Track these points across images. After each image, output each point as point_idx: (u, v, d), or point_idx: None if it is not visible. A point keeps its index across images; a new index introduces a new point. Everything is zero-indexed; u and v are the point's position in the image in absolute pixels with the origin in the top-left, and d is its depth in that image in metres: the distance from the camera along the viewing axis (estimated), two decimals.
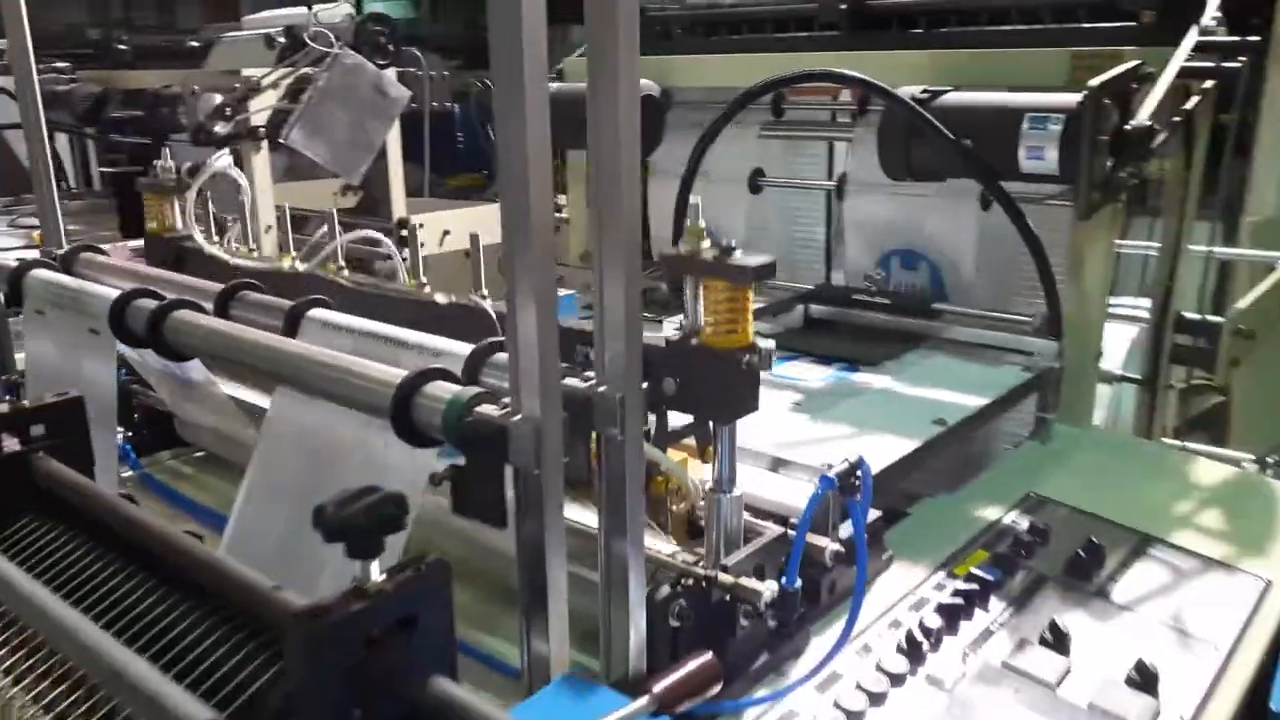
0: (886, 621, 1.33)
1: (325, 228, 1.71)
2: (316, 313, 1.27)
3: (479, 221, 4.26)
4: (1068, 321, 1.95)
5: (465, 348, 1.16)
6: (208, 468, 1.82)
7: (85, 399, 1.21)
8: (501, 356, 1.11)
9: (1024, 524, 1.59)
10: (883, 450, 1.55)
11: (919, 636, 1.27)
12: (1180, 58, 1.91)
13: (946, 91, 1.92)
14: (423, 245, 2.28)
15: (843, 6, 2.33)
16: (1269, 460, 2.50)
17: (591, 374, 0.98)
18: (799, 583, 1.08)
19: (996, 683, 1.24)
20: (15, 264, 1.56)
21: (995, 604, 1.39)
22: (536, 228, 0.87)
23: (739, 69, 2.44)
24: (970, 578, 1.42)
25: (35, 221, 4.00)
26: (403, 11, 11.67)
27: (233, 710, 0.78)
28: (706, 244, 1.10)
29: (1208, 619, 1.41)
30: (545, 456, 0.89)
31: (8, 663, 0.87)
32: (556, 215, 2.08)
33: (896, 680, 1.21)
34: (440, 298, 1.39)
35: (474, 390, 0.95)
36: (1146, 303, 2.53)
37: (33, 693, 0.80)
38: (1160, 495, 1.76)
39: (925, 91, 1.92)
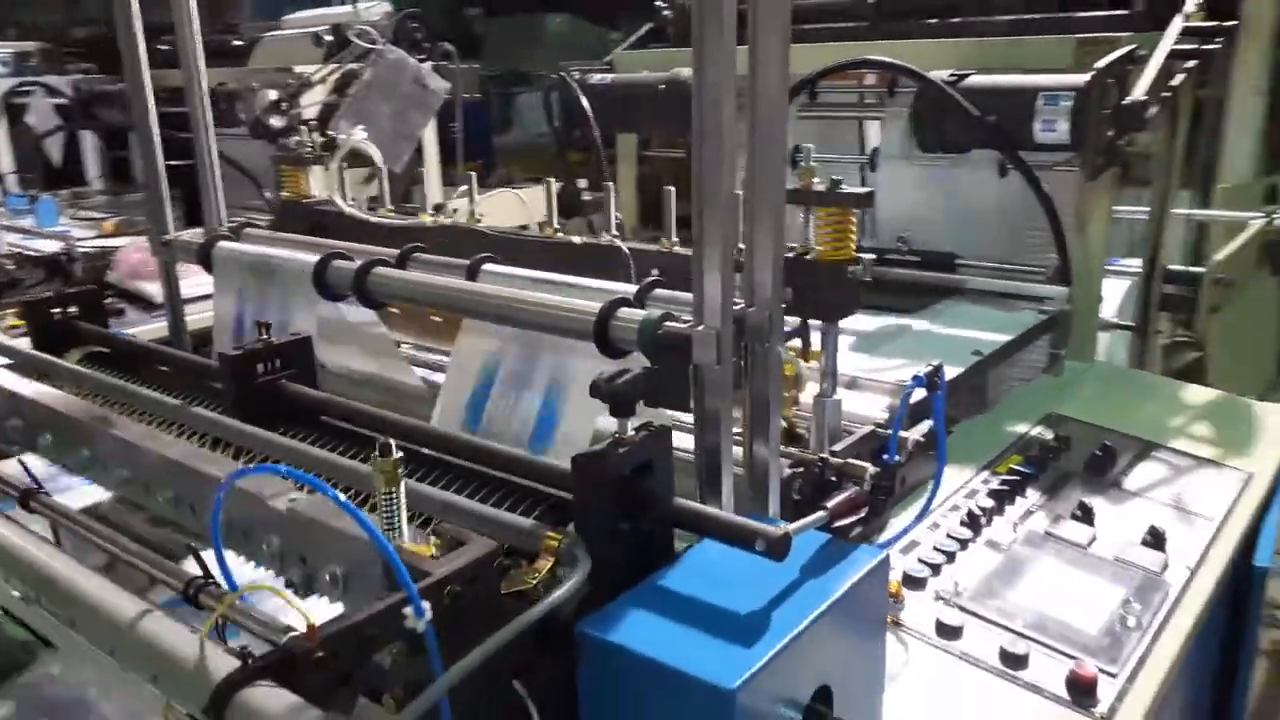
0: (947, 506, 1.65)
1: (465, 186, 2.00)
2: (490, 266, 1.58)
3: (502, 204, 4.56)
4: (1075, 270, 2.28)
5: (616, 286, 1.48)
6: None
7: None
8: (659, 292, 1.42)
9: (1049, 435, 1.92)
10: None
11: (977, 512, 1.60)
12: (1168, 42, 2.23)
13: (970, 74, 2.24)
14: None
15: (871, 0, 2.65)
16: None
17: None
18: (898, 457, 1.40)
19: (1040, 545, 1.56)
20: (204, 239, 1.85)
21: (1032, 492, 1.72)
22: (725, 193, 1.17)
23: None
24: (1011, 472, 1.75)
25: (95, 214, 4.27)
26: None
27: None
28: (817, 179, 1.42)
29: (1203, 500, 1.75)
30: (723, 356, 1.20)
31: None
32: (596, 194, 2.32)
33: (963, 544, 1.54)
34: (576, 240, 1.69)
35: (660, 311, 1.26)
36: (1135, 262, 2.87)
37: None
38: (1158, 413, 2.10)
39: (953, 75, 2.23)
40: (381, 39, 4.03)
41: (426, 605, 0.82)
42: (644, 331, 1.25)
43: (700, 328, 1.21)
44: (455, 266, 1.62)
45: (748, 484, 1.32)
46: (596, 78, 2.83)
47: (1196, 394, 2.23)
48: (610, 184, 1.72)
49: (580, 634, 0.98)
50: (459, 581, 0.88)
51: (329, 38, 4.07)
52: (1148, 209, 2.80)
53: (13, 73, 5.61)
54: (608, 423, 1.35)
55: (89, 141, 5.16)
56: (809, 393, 1.59)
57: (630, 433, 1.08)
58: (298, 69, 3.98)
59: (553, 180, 1.80)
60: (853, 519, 1.17)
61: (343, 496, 0.83)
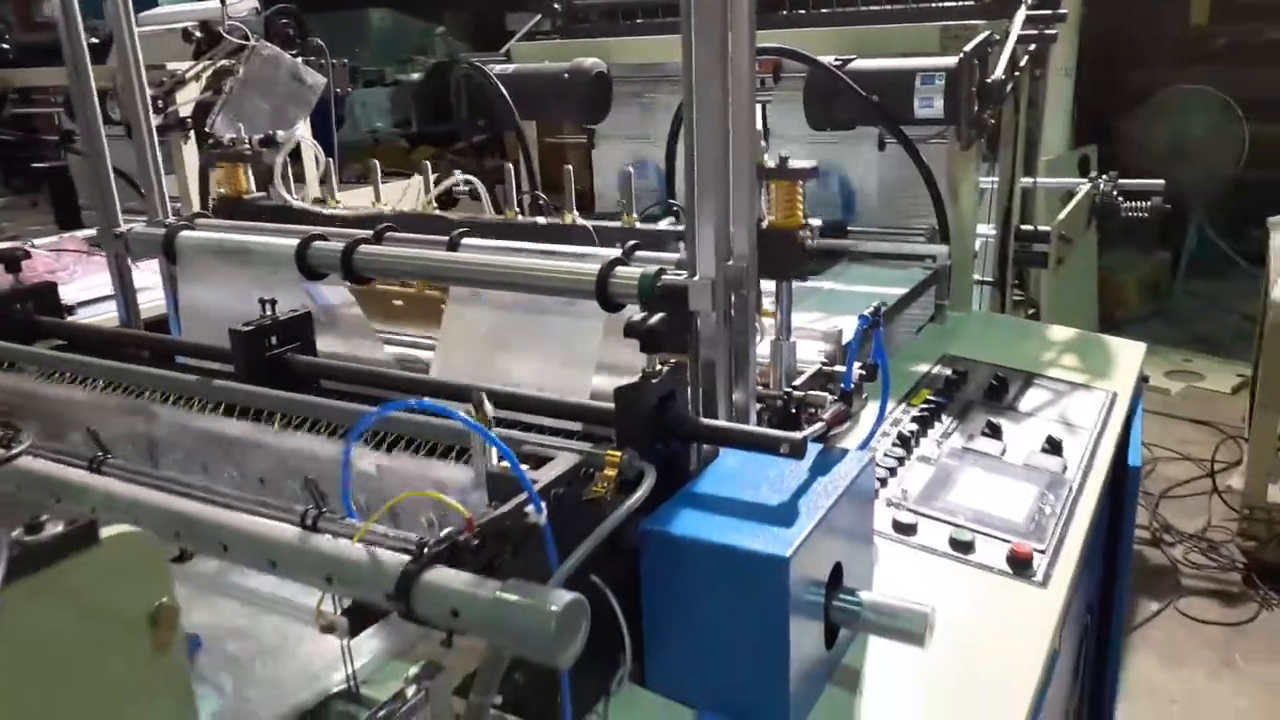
0: (879, 433, 1.90)
1: (417, 177, 2.11)
2: (469, 240, 1.71)
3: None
4: (952, 230, 2.58)
5: (596, 251, 1.64)
6: None
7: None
8: (640, 254, 1.59)
9: (948, 371, 2.20)
10: (848, 326, 2.11)
11: (907, 435, 1.85)
12: (1016, 28, 2.56)
13: (853, 59, 2.50)
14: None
15: None
16: None
17: None
18: (853, 384, 1.62)
19: (962, 458, 1.83)
20: (165, 228, 1.89)
21: (946, 418, 1.99)
22: (716, 160, 1.35)
23: (665, 48, 2.95)
24: (925, 403, 2.01)
25: None
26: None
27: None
28: (767, 156, 1.62)
29: (1082, 415, 2.06)
30: (717, 302, 1.39)
31: None
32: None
33: (900, 461, 1.78)
34: (541, 220, 1.84)
35: (657, 267, 1.43)
36: (983, 227, 3.22)
37: None
38: (1033, 349, 2.42)
39: (838, 59, 2.48)
40: (253, 35, 4.02)
41: (543, 504, 0.97)
42: (644, 285, 1.42)
43: (696, 278, 1.39)
44: (434, 242, 1.74)
45: (727, 417, 1.52)
46: (499, 68, 2.95)
47: (1060, 333, 2.58)
48: (569, 168, 1.87)
49: (644, 531, 1.15)
50: (561, 485, 1.04)
51: (199, 34, 4.01)
52: (992, 179, 3.16)
53: None
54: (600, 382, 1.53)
55: None
56: (762, 345, 1.80)
57: (657, 368, 1.25)
58: (170, 66, 3.92)
59: (511, 165, 1.94)
60: (841, 428, 1.38)
61: (470, 416, 0.97)
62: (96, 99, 1.97)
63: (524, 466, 1.06)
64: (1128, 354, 2.47)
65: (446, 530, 0.91)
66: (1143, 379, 2.46)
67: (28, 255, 1.91)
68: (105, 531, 0.67)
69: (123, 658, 0.70)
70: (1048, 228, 3.16)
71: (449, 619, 0.85)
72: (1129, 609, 3.57)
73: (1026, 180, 3.33)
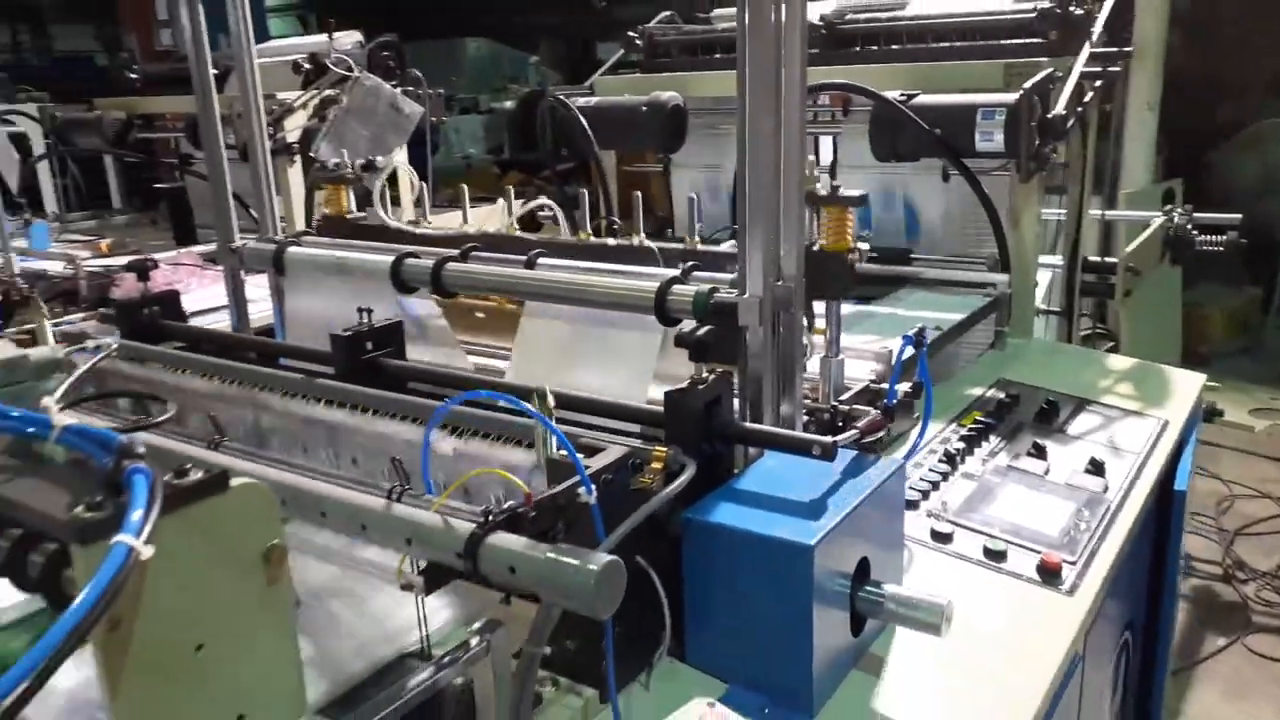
0: (926, 450, 1.99)
1: (501, 201, 2.29)
2: (544, 260, 1.87)
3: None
4: (1012, 259, 2.66)
5: (658, 271, 1.78)
6: None
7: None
8: (696, 274, 1.73)
9: (1001, 394, 2.28)
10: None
11: (953, 452, 1.94)
12: (1079, 66, 2.63)
13: (917, 94, 2.61)
14: None
15: (823, 31, 3.01)
16: None
17: None
18: (896, 401, 1.73)
19: (1006, 475, 1.91)
20: (275, 244, 2.10)
21: (994, 438, 2.07)
22: (766, 189, 1.48)
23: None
24: (975, 423, 2.10)
25: (81, 237, 4.42)
26: (292, 30, 12.01)
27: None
28: (819, 185, 1.75)
29: (1130, 440, 2.12)
30: (764, 319, 1.52)
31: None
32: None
33: (944, 476, 1.88)
34: (611, 241, 2.00)
35: (710, 285, 1.57)
36: (1052, 258, 3.28)
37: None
38: (1089, 377, 2.48)
39: (903, 95, 2.60)
40: (357, 66, 4.31)
41: (594, 486, 1.11)
42: (698, 301, 1.56)
43: (745, 296, 1.52)
44: (513, 261, 1.91)
45: (773, 426, 1.64)
46: (582, 101, 3.13)
47: (1119, 362, 2.63)
48: (638, 194, 2.03)
49: (686, 520, 1.28)
50: (609, 472, 1.18)
51: (307, 65, 4.31)
52: (1063, 211, 3.22)
53: None
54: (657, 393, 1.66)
55: (45, 168, 5.29)
56: (813, 361, 1.91)
57: (704, 375, 1.39)
58: (280, 95, 4.22)
59: (586, 193, 2.11)
60: (875, 437, 1.50)
61: (533, 408, 1.12)
62: (220, 126, 2.19)
63: (579, 455, 1.20)
64: (1186, 384, 2.51)
65: (508, 503, 1.06)
66: (1210, 411, 2.50)
67: (156, 266, 2.13)
68: (233, 482, 0.83)
69: (242, 586, 0.86)
70: (1114, 259, 3.20)
71: (507, 576, 1.00)
72: (1195, 643, 3.56)
73: (1095, 212, 3.38)
